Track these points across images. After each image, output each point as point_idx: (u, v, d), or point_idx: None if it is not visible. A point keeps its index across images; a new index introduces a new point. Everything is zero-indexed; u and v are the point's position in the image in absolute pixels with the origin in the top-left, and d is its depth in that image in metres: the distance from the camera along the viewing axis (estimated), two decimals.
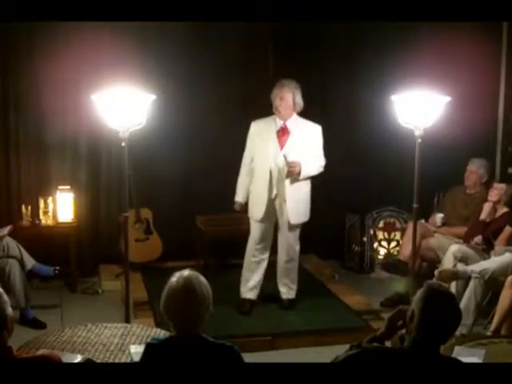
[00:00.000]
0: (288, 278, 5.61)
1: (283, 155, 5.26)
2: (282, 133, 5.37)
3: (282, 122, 5.36)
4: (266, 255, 5.56)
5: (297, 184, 5.36)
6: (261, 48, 6.70)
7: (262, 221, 5.44)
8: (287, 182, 5.33)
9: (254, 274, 5.55)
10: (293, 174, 5.28)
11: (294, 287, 5.64)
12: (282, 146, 5.33)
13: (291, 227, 5.46)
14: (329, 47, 6.75)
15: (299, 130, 5.36)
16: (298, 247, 5.58)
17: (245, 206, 5.57)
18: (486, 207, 5.68)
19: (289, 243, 5.52)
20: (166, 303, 2.85)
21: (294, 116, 5.39)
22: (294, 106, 5.35)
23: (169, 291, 2.84)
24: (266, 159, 5.35)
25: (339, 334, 5.16)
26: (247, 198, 5.53)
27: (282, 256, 5.56)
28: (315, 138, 5.40)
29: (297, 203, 5.41)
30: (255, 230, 5.51)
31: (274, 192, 5.37)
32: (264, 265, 5.56)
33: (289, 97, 5.30)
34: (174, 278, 2.86)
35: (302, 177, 5.32)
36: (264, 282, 5.67)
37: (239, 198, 5.57)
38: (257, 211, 5.44)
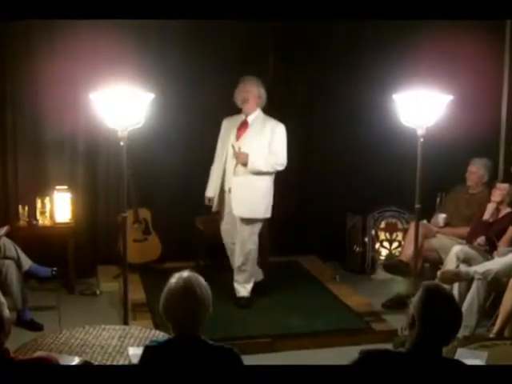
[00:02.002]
0: (240, 276, 5.69)
1: (231, 145, 5.45)
2: (242, 126, 5.56)
3: (243, 117, 5.57)
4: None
5: (246, 177, 5.50)
6: (261, 48, 6.69)
7: (224, 214, 5.63)
8: (235, 173, 5.50)
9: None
10: (239, 164, 5.45)
11: (248, 286, 5.71)
12: (238, 139, 5.51)
13: (243, 222, 5.55)
14: (329, 47, 6.73)
15: (258, 125, 5.53)
16: (252, 246, 5.62)
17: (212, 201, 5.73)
18: (490, 207, 5.64)
19: (241, 238, 5.60)
20: (165, 304, 2.83)
21: (258, 112, 5.58)
22: (258, 99, 5.51)
23: (168, 292, 2.82)
24: (225, 152, 5.57)
25: (340, 336, 5.17)
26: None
27: (236, 253, 5.66)
28: (274, 136, 5.53)
29: (243, 196, 5.52)
30: (221, 225, 5.73)
31: (227, 184, 5.54)
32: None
33: (254, 90, 5.53)
34: (174, 279, 2.84)
35: (249, 169, 5.44)
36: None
37: (208, 192, 5.75)
38: (216, 204, 5.66)
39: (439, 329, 2.60)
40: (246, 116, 5.55)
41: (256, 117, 5.55)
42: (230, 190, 5.54)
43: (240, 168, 5.47)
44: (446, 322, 2.61)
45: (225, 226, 5.73)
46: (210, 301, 2.84)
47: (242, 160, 5.42)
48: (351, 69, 6.64)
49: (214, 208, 5.70)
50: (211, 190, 5.72)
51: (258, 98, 5.54)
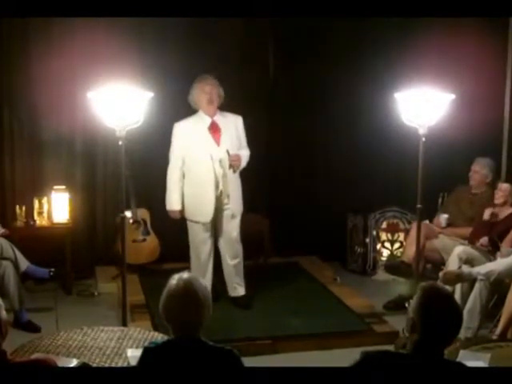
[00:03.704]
0: (238, 276, 5.63)
1: (226, 150, 5.28)
2: (214, 129, 5.39)
3: (208, 119, 5.39)
4: (212, 257, 5.57)
5: (234, 177, 5.43)
6: (261, 48, 6.67)
7: (204, 222, 5.43)
8: (230, 176, 5.37)
9: (205, 277, 5.44)
10: (235, 167, 5.35)
11: (243, 283, 5.66)
12: (218, 143, 5.36)
13: (233, 221, 5.48)
14: (330, 46, 6.69)
15: (226, 124, 5.42)
16: (240, 242, 5.58)
17: (182, 213, 5.50)
18: (487, 211, 5.62)
19: (232, 238, 5.53)
20: (165, 306, 2.79)
21: (218, 111, 5.44)
22: (220, 99, 5.41)
23: (169, 294, 2.78)
24: (204, 158, 5.34)
25: (341, 338, 5.12)
26: (183, 203, 5.47)
27: (228, 254, 5.57)
28: (240, 130, 5.48)
29: (236, 194, 5.48)
30: (200, 233, 5.47)
31: (220, 189, 5.38)
32: (212, 267, 5.58)
33: (215, 89, 5.37)
34: (174, 281, 2.80)
35: (240, 169, 5.42)
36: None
37: (176, 205, 5.46)
38: (204, 213, 5.40)
39: (440, 329, 2.58)
40: (212, 117, 5.39)
41: (220, 117, 5.41)
42: (221, 193, 5.40)
43: (230, 170, 5.38)
44: (445, 323, 2.59)
45: (203, 235, 5.48)
46: (211, 302, 2.81)
47: (239, 162, 5.35)
48: (352, 68, 6.61)
49: (204, 217, 5.42)
50: (178, 203, 5.44)
51: (220, 98, 5.41)
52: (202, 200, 5.40)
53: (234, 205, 5.46)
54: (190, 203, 5.45)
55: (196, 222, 5.46)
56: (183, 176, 5.44)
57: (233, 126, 5.44)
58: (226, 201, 5.40)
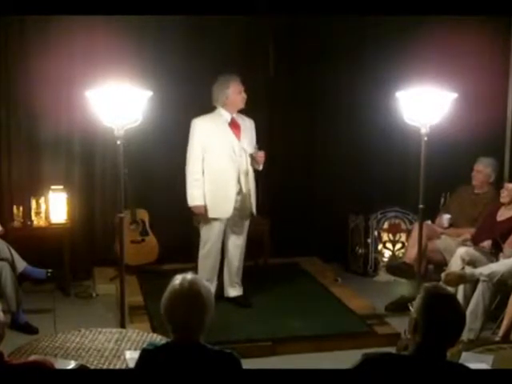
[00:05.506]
0: (238, 276, 5.65)
1: (255, 147, 5.38)
2: (234, 125, 5.42)
3: (229, 116, 5.40)
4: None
5: (252, 176, 5.47)
6: (261, 47, 6.66)
7: (221, 219, 5.42)
8: (251, 174, 5.43)
9: (213, 279, 5.47)
10: (260, 164, 5.44)
11: (240, 282, 5.68)
12: (238, 138, 5.39)
13: (247, 221, 5.52)
14: (330, 46, 6.67)
15: (244, 124, 5.48)
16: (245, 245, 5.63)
17: (205, 208, 5.43)
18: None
19: (242, 239, 5.56)
20: (168, 306, 2.73)
21: None
22: None
23: (172, 294, 2.73)
24: (226, 152, 5.34)
25: (342, 339, 5.09)
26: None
27: (235, 255, 5.58)
28: (253, 132, 5.55)
29: (253, 195, 5.51)
30: (217, 231, 5.46)
31: (241, 184, 5.39)
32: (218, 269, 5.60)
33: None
34: (178, 281, 2.75)
35: (260, 167, 5.51)
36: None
37: (199, 200, 5.37)
38: (225, 208, 5.39)
39: (442, 331, 2.55)
40: (231, 115, 5.40)
41: (237, 116, 5.45)
42: (241, 191, 5.40)
43: (249, 167, 5.41)
44: (448, 324, 2.56)
45: (219, 233, 5.48)
46: (214, 305, 2.77)
47: (263, 159, 5.42)
48: (353, 67, 6.60)
49: (223, 213, 5.42)
50: (202, 198, 5.38)
51: None
52: (222, 195, 5.37)
53: (253, 204, 5.48)
54: (210, 199, 5.39)
55: (214, 219, 5.42)
56: (202, 172, 5.39)
57: (250, 125, 5.50)
58: (246, 198, 5.41)
